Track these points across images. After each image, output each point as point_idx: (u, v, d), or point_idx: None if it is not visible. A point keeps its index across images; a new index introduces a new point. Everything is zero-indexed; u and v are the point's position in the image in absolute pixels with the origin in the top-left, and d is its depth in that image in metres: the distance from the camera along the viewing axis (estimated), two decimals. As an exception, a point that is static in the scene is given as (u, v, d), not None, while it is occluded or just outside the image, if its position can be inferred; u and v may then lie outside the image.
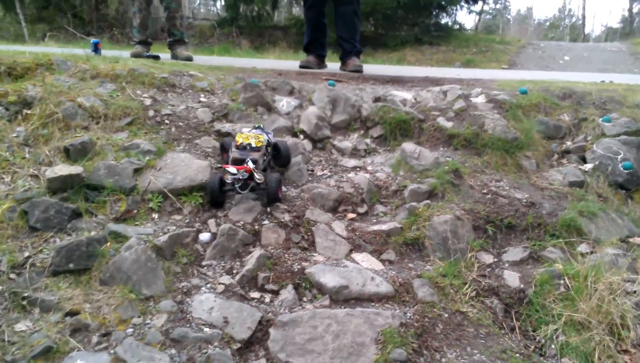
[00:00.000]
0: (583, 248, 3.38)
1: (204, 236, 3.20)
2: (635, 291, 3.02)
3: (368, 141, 4.26)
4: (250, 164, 3.20)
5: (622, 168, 4.04)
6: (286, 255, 3.12)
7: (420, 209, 3.42)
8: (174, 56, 6.55)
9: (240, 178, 3.18)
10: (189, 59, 6.44)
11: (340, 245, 3.26)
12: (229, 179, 3.20)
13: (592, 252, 3.34)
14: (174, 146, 3.73)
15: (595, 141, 4.34)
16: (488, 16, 38.51)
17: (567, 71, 8.56)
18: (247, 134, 3.43)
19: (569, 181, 3.98)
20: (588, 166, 4.11)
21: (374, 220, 3.52)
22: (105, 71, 4.22)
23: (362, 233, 3.35)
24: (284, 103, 4.48)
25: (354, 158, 4.12)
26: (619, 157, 4.10)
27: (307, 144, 4.17)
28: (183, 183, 3.40)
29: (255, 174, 3.20)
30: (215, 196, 3.27)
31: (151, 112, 3.92)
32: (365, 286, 2.93)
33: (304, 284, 2.97)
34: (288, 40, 13.77)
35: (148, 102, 4.00)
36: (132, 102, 3.91)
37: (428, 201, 3.51)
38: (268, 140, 3.51)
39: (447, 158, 4.02)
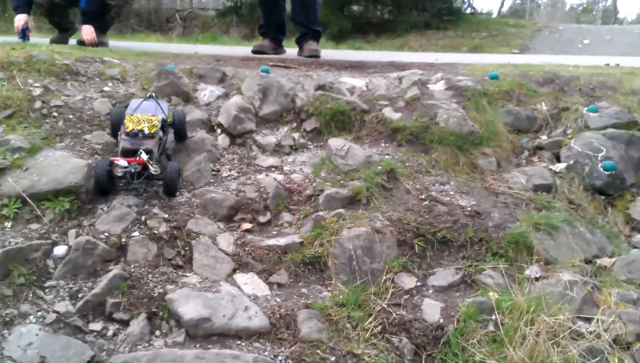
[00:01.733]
0: (533, 271, 2.68)
1: (59, 250, 2.63)
2: (591, 332, 2.30)
3: (296, 135, 3.62)
4: (144, 156, 2.78)
5: (601, 169, 3.30)
6: (150, 276, 2.54)
7: (327, 221, 2.77)
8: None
9: (133, 171, 2.76)
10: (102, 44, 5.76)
11: (222, 262, 2.65)
12: (119, 172, 2.77)
13: (542, 277, 2.63)
14: (54, 142, 3.17)
15: (576, 135, 3.58)
16: (517, 0, 36.79)
17: (584, 55, 7.66)
18: (138, 118, 2.94)
19: (533, 185, 3.26)
20: (560, 166, 3.38)
21: (274, 232, 2.88)
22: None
23: (254, 248, 2.73)
24: (207, 93, 3.87)
25: (275, 155, 3.48)
26: (600, 155, 3.35)
27: (224, 140, 3.56)
28: (48, 186, 2.83)
29: (150, 166, 2.78)
30: (101, 185, 2.83)
31: (37, 104, 3.37)
32: (234, 319, 2.33)
33: (161, 313, 2.40)
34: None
35: (37, 92, 3.45)
36: (17, 93, 3.36)
37: (341, 211, 2.85)
38: (163, 119, 3.04)
39: (386, 156, 3.35)
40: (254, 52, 5.65)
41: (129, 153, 2.83)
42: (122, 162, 2.75)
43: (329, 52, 6.73)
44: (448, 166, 3.35)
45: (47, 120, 3.31)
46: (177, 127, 3.25)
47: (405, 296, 2.59)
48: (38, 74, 3.64)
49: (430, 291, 2.63)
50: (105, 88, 3.70)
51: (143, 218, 2.77)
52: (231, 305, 2.37)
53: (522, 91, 3.92)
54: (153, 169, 2.79)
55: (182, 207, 2.89)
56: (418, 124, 3.51)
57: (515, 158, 3.59)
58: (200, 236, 2.73)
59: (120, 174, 2.77)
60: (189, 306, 2.34)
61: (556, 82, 4.04)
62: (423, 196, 3.06)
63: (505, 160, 3.48)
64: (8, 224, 2.72)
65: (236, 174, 3.25)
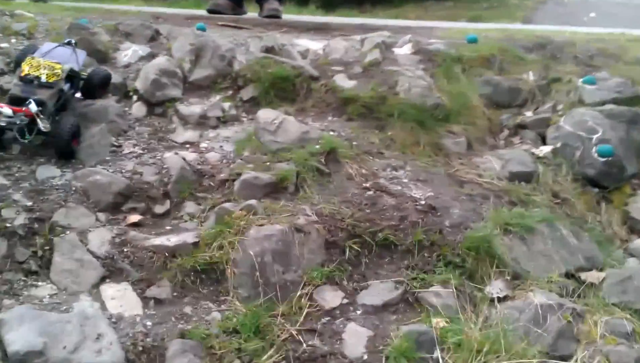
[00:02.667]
0: (494, 288, 2.05)
1: None
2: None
3: (227, 105, 2.96)
4: (33, 107, 2.32)
5: (596, 154, 2.64)
6: (-13, 285, 1.91)
7: (233, 215, 2.13)
8: None
9: (18, 123, 2.31)
10: None
11: (88, 268, 2.03)
12: (1, 122, 2.32)
13: (506, 298, 2.00)
14: None
15: (568, 111, 2.92)
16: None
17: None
18: (39, 62, 2.49)
19: (509, 172, 2.62)
20: (545, 150, 2.73)
21: (168, 227, 2.25)
22: None
23: (135, 249, 2.10)
24: (129, 53, 3.22)
25: (198, 129, 2.84)
26: (595, 137, 2.70)
27: (139, 108, 2.92)
28: None
29: (39, 121, 2.33)
30: None
31: None
32: (77, 352, 1.73)
33: (-12, 339, 1.76)
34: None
35: None
36: None
37: (252, 202, 2.21)
38: (72, 69, 2.60)
39: (331, 132, 2.70)
40: (209, 11, 4.94)
41: (18, 101, 2.37)
42: (6, 110, 2.30)
43: (301, 17, 6.03)
44: (406, 147, 2.72)
45: None
46: (90, 85, 2.75)
47: (325, 319, 1.96)
48: None
49: (359, 312, 2.00)
50: (2, 44, 3.04)
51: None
52: (79, 332, 1.76)
53: (505, 57, 3.25)
54: (42, 125, 2.33)
55: (54, 192, 2.26)
56: (373, 94, 2.87)
57: (491, 139, 2.95)
58: (67, 232, 2.10)
59: (3, 125, 2.32)
60: (19, 332, 1.72)
61: (547, 48, 3.38)
62: (368, 184, 2.42)
63: (478, 141, 2.83)
64: None
65: (140, 152, 2.61)
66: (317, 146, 2.54)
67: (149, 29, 3.49)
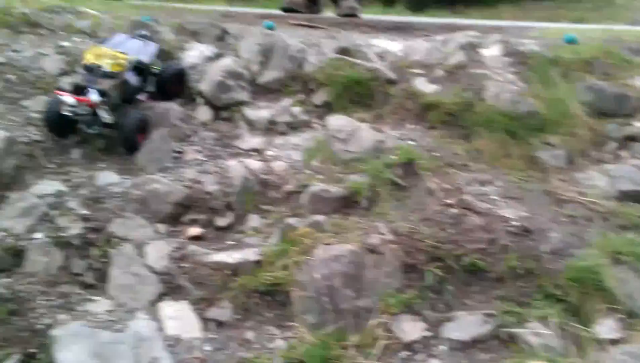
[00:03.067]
0: (605, 328, 1.73)
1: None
2: None
3: (297, 110, 2.76)
4: (94, 97, 2.27)
5: None
6: (42, 297, 1.82)
7: (298, 233, 1.92)
8: None
9: (80, 112, 2.27)
10: None
11: (146, 284, 1.89)
12: (65, 110, 2.28)
13: (620, 341, 1.68)
14: (-19, 107, 2.49)
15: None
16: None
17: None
18: (102, 51, 2.42)
19: (619, 191, 2.27)
20: (661, 165, 2.35)
21: (231, 242, 2.07)
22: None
23: (195, 264, 1.94)
24: (195, 53, 3.07)
25: (265, 135, 2.66)
26: None
27: (205, 113, 2.77)
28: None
29: (100, 111, 2.28)
30: (51, 124, 2.40)
31: (-27, 60, 2.71)
32: (128, 379, 1.54)
33: (41, 356, 1.64)
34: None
35: (-23, 46, 2.79)
36: (-50, 47, 2.71)
37: (320, 218, 1.99)
38: (139, 60, 2.53)
39: (409, 141, 2.46)
40: (283, 9, 4.76)
41: (80, 90, 2.32)
42: (68, 98, 2.26)
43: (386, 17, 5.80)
44: (495, 159, 2.42)
45: (-18, 80, 2.65)
46: (163, 81, 2.67)
47: (403, 354, 1.73)
48: (-11, 25, 2.98)
49: (444, 347, 1.75)
50: (65, 43, 2.98)
51: (54, 213, 2.02)
52: (132, 355, 1.61)
53: (610, 60, 2.86)
54: (105, 115, 2.29)
55: (112, 200, 2.14)
56: (457, 100, 2.59)
57: (595, 152, 2.58)
58: (124, 244, 1.96)
59: (67, 114, 2.29)
60: (72, 352, 1.60)
61: (658, 51, 2.96)
62: (451, 201, 2.15)
63: (580, 154, 2.49)
64: None
65: (202, 159, 2.45)
66: (394, 157, 2.31)
67: (217, 28, 3.32)
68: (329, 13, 4.73)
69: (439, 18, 5.14)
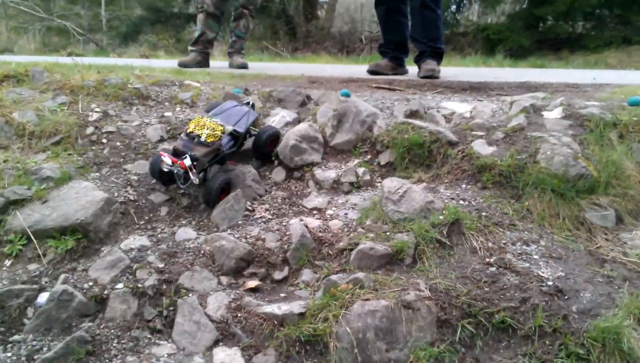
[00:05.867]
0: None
1: (42, 298, 2.34)
2: None
3: (361, 171, 2.97)
4: (187, 162, 2.64)
5: None
6: (116, 341, 2.12)
7: (339, 288, 2.10)
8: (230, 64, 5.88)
9: (176, 172, 2.67)
10: (244, 66, 5.68)
11: (204, 331, 2.13)
12: (164, 168, 2.70)
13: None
14: (90, 171, 2.95)
15: None
16: None
17: None
18: (204, 122, 2.82)
19: (666, 252, 2.23)
20: None
21: (282, 295, 2.29)
22: (75, 81, 3.64)
23: (249, 314, 2.17)
24: (277, 118, 3.41)
25: (329, 194, 2.88)
26: None
27: (279, 173, 3.07)
28: (55, 222, 2.58)
29: (191, 174, 2.65)
30: (155, 175, 2.84)
31: (89, 130, 3.20)
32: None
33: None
34: (475, 46, 12.20)
35: (94, 117, 3.29)
36: (71, 118, 3.23)
37: (359, 275, 2.16)
38: (235, 130, 2.90)
39: (461, 201, 2.57)
40: (369, 72, 5.11)
41: (178, 154, 2.70)
42: (167, 159, 2.66)
43: (475, 71, 5.90)
44: (543, 219, 2.47)
45: (94, 147, 3.12)
46: (258, 143, 3.08)
47: (429, 406, 1.82)
48: (104, 99, 3.49)
49: (468, 402, 1.82)
50: (167, 113, 3.43)
51: (135, 266, 2.37)
52: (185, 395, 1.84)
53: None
54: (193, 177, 2.65)
55: (185, 255, 2.44)
56: (511, 162, 2.67)
57: (648, 213, 2.55)
58: (190, 294, 2.24)
59: (165, 170, 2.70)
60: (136, 389, 1.86)
61: None
62: (491, 260, 2.24)
63: (631, 214, 2.47)
64: (8, 262, 2.52)
65: (269, 217, 2.72)
66: (441, 217, 2.43)
67: (300, 95, 3.67)
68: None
69: (521, 74, 5.15)
